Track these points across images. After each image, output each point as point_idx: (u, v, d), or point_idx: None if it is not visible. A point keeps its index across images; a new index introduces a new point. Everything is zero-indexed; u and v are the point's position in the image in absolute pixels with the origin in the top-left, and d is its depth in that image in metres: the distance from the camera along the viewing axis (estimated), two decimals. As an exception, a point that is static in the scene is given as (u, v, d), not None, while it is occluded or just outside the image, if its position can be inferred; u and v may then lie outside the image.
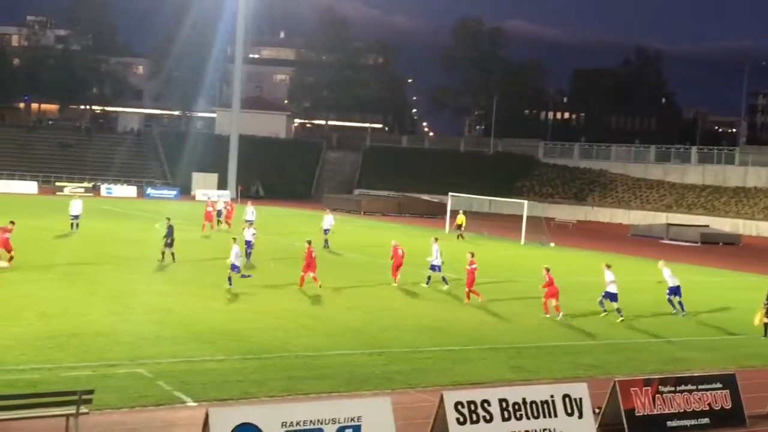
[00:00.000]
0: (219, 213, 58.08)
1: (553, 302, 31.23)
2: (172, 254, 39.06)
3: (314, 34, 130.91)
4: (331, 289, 34.21)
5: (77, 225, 49.67)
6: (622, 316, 31.50)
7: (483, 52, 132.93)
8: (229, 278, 32.93)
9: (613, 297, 32.07)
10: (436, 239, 37.60)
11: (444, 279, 36.18)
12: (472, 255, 33.76)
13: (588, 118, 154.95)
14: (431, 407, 16.68)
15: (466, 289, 33.22)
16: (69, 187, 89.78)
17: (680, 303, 34.00)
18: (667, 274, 34.26)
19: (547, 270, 31.78)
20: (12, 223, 36.90)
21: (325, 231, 49.77)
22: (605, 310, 32.14)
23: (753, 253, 66.81)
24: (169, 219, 40.69)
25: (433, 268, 36.37)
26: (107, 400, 17.65)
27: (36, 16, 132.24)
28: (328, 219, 50.67)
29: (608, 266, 33.14)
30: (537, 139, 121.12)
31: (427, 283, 36.35)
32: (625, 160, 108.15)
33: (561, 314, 31.00)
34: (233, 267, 33.06)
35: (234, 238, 35.16)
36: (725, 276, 50.05)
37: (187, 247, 46.74)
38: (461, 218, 61.70)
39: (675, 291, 34.09)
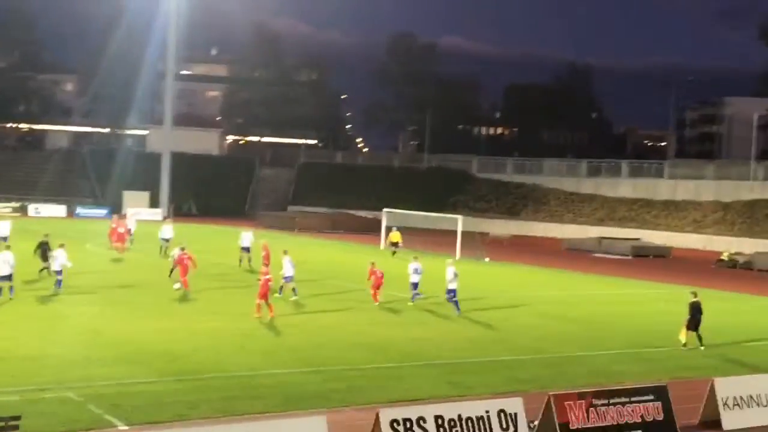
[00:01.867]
0: (129, 232, 55.02)
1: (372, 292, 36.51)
2: (47, 269, 38.11)
3: (247, 50, 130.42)
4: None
5: (7, 246, 48.25)
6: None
7: (416, 68, 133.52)
8: (281, 288, 36.30)
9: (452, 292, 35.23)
10: (285, 252, 37.81)
11: (294, 290, 36.79)
12: (372, 264, 35.28)
13: (521, 133, 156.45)
14: (368, 425, 16.57)
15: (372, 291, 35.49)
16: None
17: (455, 302, 35.35)
18: (451, 272, 35.66)
19: (372, 264, 37.17)
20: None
21: (245, 249, 48.50)
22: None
23: (682, 265, 67.90)
24: (46, 235, 41.43)
25: (286, 279, 36.83)
26: (35, 426, 17.22)
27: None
28: (247, 236, 49.29)
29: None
30: (471, 154, 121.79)
31: (279, 293, 36.45)
32: (557, 175, 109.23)
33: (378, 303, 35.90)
34: (287, 278, 36.31)
35: (285, 251, 37.52)
36: (655, 288, 50.73)
37: (115, 267, 46.11)
38: (396, 235, 61.47)
39: (452, 292, 35.55)
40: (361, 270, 40.54)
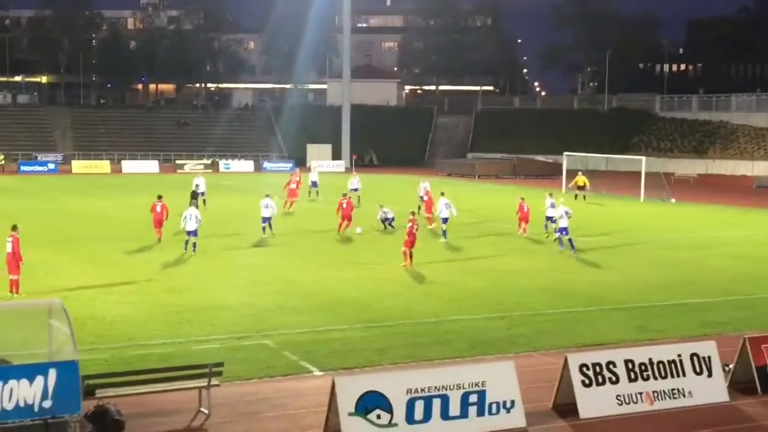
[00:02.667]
0: (314, 184, 58.57)
1: (523, 225, 39.94)
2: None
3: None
4: (448, 254, 34.28)
5: (204, 201, 49.99)
6: (573, 250, 34.70)
7: (594, 7, 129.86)
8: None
9: (563, 230, 35.41)
10: (442, 193, 40.83)
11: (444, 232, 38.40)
12: (413, 214, 33.55)
13: (706, 69, 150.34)
14: (555, 370, 16.61)
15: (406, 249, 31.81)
16: (189, 165, 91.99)
17: (569, 240, 35.29)
18: (556, 208, 36.73)
19: (522, 199, 40.35)
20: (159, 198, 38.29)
21: (354, 190, 52.59)
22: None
23: None
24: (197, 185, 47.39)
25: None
26: (236, 371, 18.12)
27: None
28: (355, 180, 54.69)
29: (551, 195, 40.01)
30: (653, 93, 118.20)
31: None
32: (746, 110, 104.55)
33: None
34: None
35: (442, 192, 40.48)
36: None
37: (304, 219, 47.45)
38: (582, 179, 60.04)
39: (563, 230, 35.56)
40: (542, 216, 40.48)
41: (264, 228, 39.39)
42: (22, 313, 16.43)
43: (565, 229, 35.48)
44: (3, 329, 15.24)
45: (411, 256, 31.45)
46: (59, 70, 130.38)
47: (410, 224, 31.65)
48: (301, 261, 33.14)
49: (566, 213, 35.75)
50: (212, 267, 31.48)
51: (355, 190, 53.77)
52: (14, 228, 25.81)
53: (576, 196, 57.97)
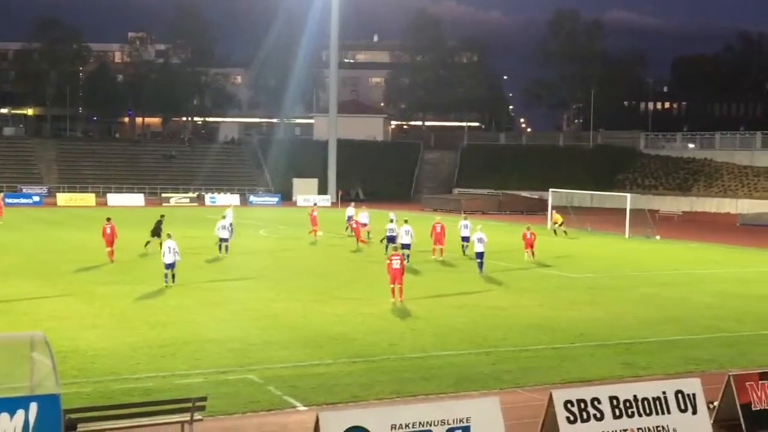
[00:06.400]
0: (349, 218, 57.40)
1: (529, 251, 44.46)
2: (159, 243, 40.25)
3: (408, 35, 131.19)
4: (434, 289, 34.25)
5: (168, 235, 49.36)
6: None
7: (580, 45, 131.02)
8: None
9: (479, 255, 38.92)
10: (406, 221, 41.70)
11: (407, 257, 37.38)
12: (528, 228, 37.82)
13: (690, 107, 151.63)
14: (540, 406, 16.54)
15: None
16: (175, 198, 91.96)
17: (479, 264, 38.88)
18: (475, 237, 39.50)
19: (528, 228, 45.33)
20: (108, 220, 41.77)
21: (363, 225, 52.26)
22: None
23: None
24: (162, 216, 46.86)
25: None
26: (220, 406, 17.99)
27: (137, 32, 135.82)
28: (363, 215, 53.75)
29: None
30: (637, 130, 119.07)
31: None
32: (730, 148, 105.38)
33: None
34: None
35: (405, 220, 42.84)
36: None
37: (289, 253, 47.39)
38: (557, 217, 61.43)
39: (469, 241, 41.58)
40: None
41: (220, 247, 43.63)
42: (4, 345, 16.28)
43: (480, 254, 38.91)
44: (-16, 362, 15.10)
45: (399, 292, 31.30)
46: (46, 103, 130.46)
47: (389, 261, 31.68)
48: (288, 295, 33.04)
49: (479, 239, 39.03)
50: (197, 300, 31.35)
51: (364, 225, 53.05)
52: None
53: (555, 231, 59.38)
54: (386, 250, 43.20)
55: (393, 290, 31.38)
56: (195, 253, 44.08)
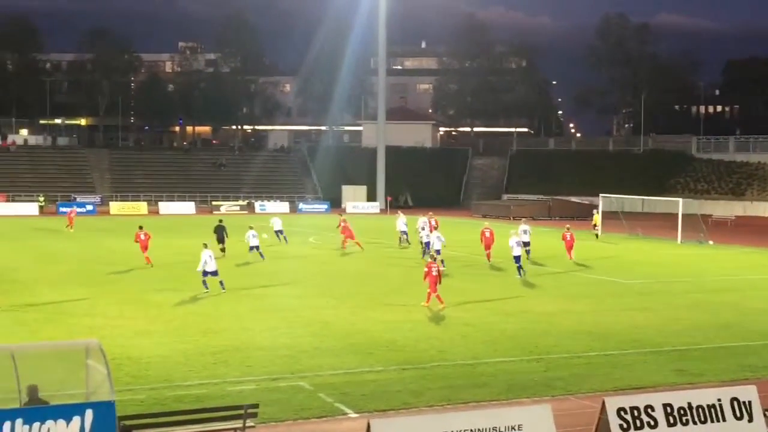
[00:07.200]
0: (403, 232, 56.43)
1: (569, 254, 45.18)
2: (222, 249, 45.14)
3: (456, 41, 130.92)
4: (484, 295, 34.13)
5: (284, 238, 53.66)
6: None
7: (629, 49, 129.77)
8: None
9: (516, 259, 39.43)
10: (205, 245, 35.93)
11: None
12: (434, 258, 33.77)
13: (742, 110, 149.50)
14: (593, 414, 16.42)
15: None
16: (225, 206, 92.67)
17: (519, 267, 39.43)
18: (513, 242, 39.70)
19: (567, 228, 46.52)
20: (141, 228, 44.10)
21: (403, 232, 53.69)
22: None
23: None
24: (220, 221, 48.70)
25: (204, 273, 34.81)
26: (271, 413, 18.09)
27: (186, 42, 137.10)
28: (401, 220, 54.26)
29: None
30: (689, 134, 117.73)
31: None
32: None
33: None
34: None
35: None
36: None
37: (338, 260, 47.54)
38: (596, 218, 62.92)
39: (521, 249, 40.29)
40: (580, 255, 40.41)
41: (253, 253, 45.02)
42: (60, 353, 16.55)
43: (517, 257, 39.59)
44: (41, 370, 15.35)
45: (437, 297, 31.24)
46: (98, 113, 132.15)
47: (426, 268, 31.79)
48: (338, 302, 33.13)
49: (516, 243, 39.66)
50: (248, 307, 31.56)
51: (404, 232, 53.82)
52: None
53: (597, 235, 60.86)
54: (423, 256, 43.73)
55: (429, 295, 31.39)
56: (247, 261, 44.43)
